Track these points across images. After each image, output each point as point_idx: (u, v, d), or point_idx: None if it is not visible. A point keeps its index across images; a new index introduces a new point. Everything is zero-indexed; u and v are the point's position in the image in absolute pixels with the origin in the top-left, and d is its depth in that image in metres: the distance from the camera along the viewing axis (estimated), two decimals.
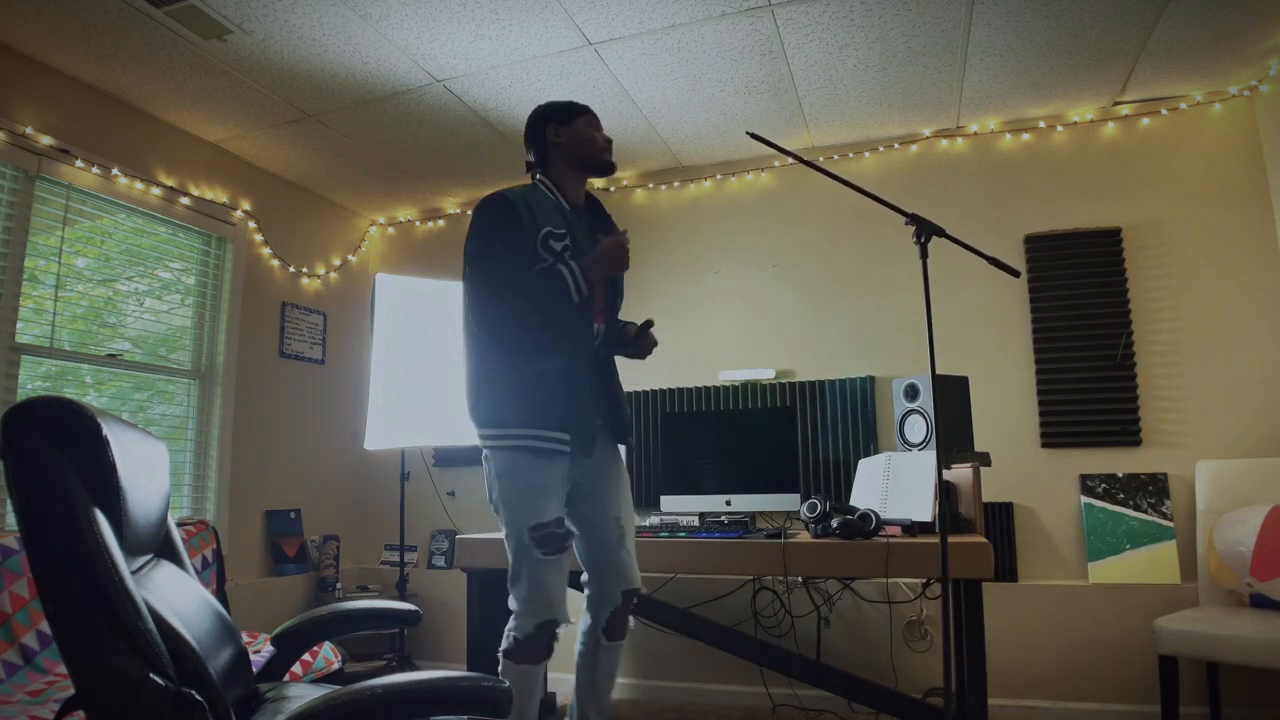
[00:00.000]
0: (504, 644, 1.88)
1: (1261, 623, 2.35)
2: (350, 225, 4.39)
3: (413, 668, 3.62)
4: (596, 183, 4.04)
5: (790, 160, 3.56)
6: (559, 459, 1.87)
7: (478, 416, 1.93)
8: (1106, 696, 2.98)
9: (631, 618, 2.08)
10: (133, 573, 1.03)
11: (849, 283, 3.56)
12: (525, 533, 1.84)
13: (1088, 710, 2.99)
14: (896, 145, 3.58)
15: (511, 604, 1.89)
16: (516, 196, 1.94)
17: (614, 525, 2.01)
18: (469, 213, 4.30)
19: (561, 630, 1.91)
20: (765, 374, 3.61)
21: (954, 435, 2.65)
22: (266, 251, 3.78)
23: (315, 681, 2.45)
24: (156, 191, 3.22)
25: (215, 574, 2.96)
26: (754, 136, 1.94)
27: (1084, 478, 3.14)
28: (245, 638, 2.62)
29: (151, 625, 0.97)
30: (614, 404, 2.07)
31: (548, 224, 1.93)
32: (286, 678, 1.75)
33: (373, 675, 1.10)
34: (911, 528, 2.43)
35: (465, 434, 3.47)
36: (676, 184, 3.92)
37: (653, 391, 3.74)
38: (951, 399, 2.71)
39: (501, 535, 1.93)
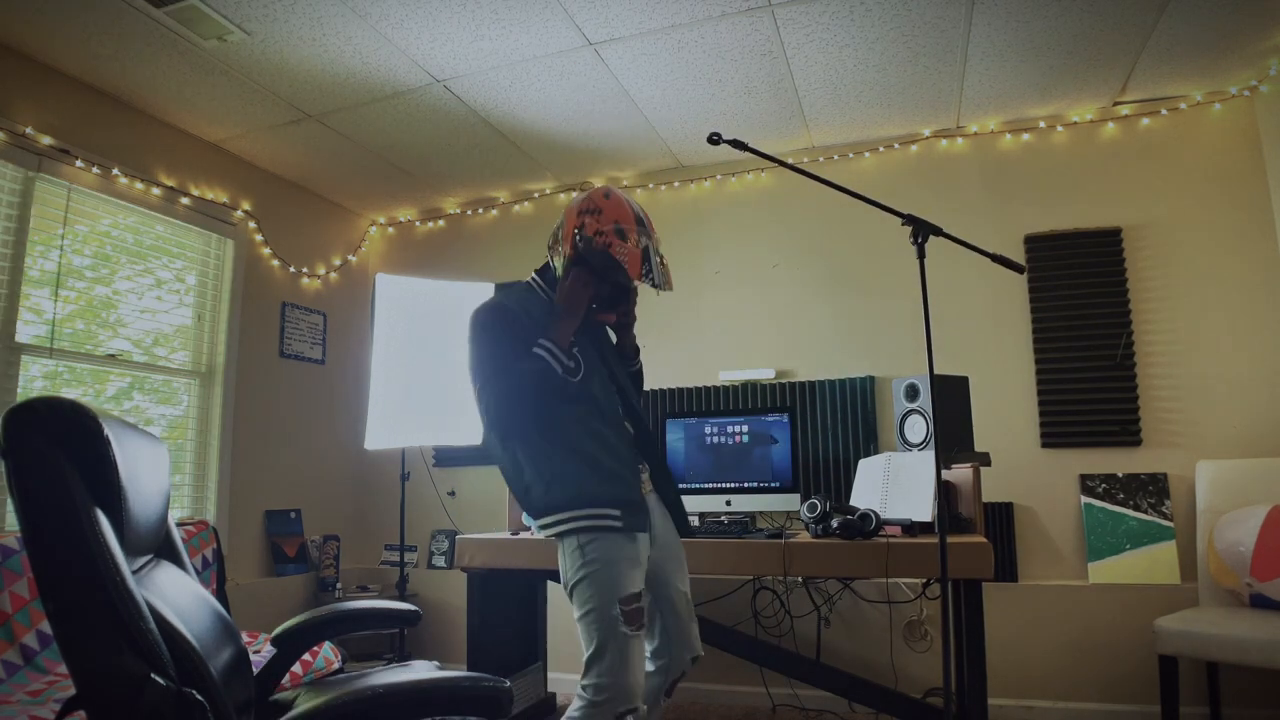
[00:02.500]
0: None
1: (1261, 623, 2.35)
2: (350, 225, 4.39)
3: None
4: (595, 181, 4.04)
5: (790, 160, 3.56)
6: (628, 534, 1.81)
7: (533, 509, 1.87)
8: (1106, 696, 2.98)
9: None
10: (133, 573, 1.03)
11: (849, 283, 3.56)
12: (616, 605, 1.74)
13: (1088, 710, 2.99)
14: (896, 145, 3.58)
15: (584, 692, 1.73)
16: (512, 303, 1.92)
17: (684, 599, 2.01)
18: (469, 213, 4.31)
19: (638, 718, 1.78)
20: (765, 374, 3.61)
21: (954, 435, 2.65)
22: (266, 251, 3.78)
23: (315, 681, 2.45)
24: (156, 191, 3.22)
25: (215, 574, 2.96)
26: (728, 142, 1.89)
27: (1084, 478, 3.14)
28: (245, 638, 2.62)
29: (153, 625, 0.97)
30: (667, 486, 2.04)
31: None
32: (286, 678, 1.75)
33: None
34: (911, 528, 2.43)
35: (465, 434, 3.48)
36: (676, 184, 3.92)
37: (653, 391, 3.74)
38: (951, 399, 2.71)
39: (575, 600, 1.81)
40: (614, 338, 2.14)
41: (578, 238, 1.89)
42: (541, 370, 1.81)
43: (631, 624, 1.75)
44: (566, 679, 3.66)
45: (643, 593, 1.82)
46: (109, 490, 1.01)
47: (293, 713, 1.06)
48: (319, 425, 4.05)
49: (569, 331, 1.87)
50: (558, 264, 1.95)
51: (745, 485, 3.15)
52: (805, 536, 2.49)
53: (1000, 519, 3.20)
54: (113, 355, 3.08)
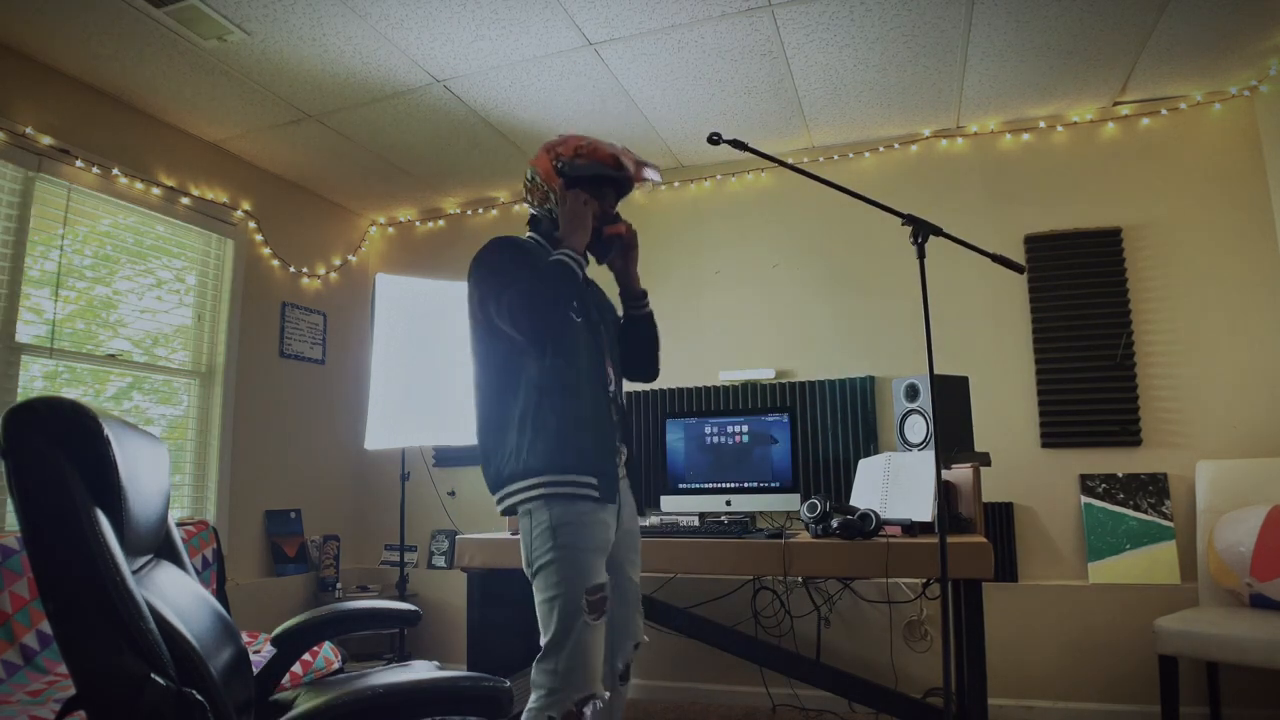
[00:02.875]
0: None
1: (1261, 623, 2.35)
2: (350, 225, 4.39)
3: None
4: None
5: (790, 160, 3.56)
6: (601, 505, 1.77)
7: (508, 470, 1.77)
8: (1106, 696, 2.98)
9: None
10: (133, 573, 1.03)
11: (849, 283, 3.56)
12: (583, 595, 1.70)
13: (1088, 710, 2.99)
14: (896, 145, 3.58)
15: (543, 680, 1.67)
16: (517, 239, 1.92)
17: (634, 588, 1.99)
18: (469, 213, 4.30)
19: (599, 704, 1.74)
20: (765, 374, 3.61)
21: (954, 435, 2.65)
22: (266, 251, 3.78)
23: (315, 681, 2.45)
24: (156, 191, 3.22)
25: (215, 574, 2.96)
26: (728, 142, 1.89)
27: (1084, 478, 3.14)
28: (245, 638, 2.61)
29: (153, 625, 0.97)
30: (633, 466, 2.04)
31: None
32: (286, 678, 1.75)
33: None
34: (911, 528, 2.43)
35: (465, 434, 3.47)
36: (676, 184, 3.92)
37: (653, 391, 3.74)
38: (951, 399, 2.71)
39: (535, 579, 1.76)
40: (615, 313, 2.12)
41: (559, 165, 1.88)
42: (565, 269, 1.74)
43: (594, 613, 1.71)
44: None
45: (606, 582, 1.77)
46: (109, 490, 1.01)
47: (293, 713, 1.06)
48: (319, 425, 4.05)
49: (580, 243, 1.83)
50: (549, 206, 1.92)
51: (745, 485, 3.15)
52: (805, 536, 2.49)
53: (1000, 519, 3.20)
54: (113, 355, 3.08)
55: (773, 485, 3.11)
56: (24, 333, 2.74)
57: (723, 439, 3.26)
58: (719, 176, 3.85)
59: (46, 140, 2.81)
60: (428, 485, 4.06)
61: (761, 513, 3.22)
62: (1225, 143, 3.16)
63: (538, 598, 1.73)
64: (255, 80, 2.99)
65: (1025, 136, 3.41)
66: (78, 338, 2.97)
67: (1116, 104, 3.28)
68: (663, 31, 2.72)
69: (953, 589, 2.49)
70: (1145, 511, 3.05)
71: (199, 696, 0.98)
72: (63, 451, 0.96)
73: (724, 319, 3.74)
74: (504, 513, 1.81)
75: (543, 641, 1.71)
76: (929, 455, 2.59)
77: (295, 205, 4.01)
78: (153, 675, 0.94)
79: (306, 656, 2.63)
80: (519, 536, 1.78)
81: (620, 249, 1.99)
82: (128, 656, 0.93)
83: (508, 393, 1.80)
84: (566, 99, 3.18)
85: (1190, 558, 2.96)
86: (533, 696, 1.69)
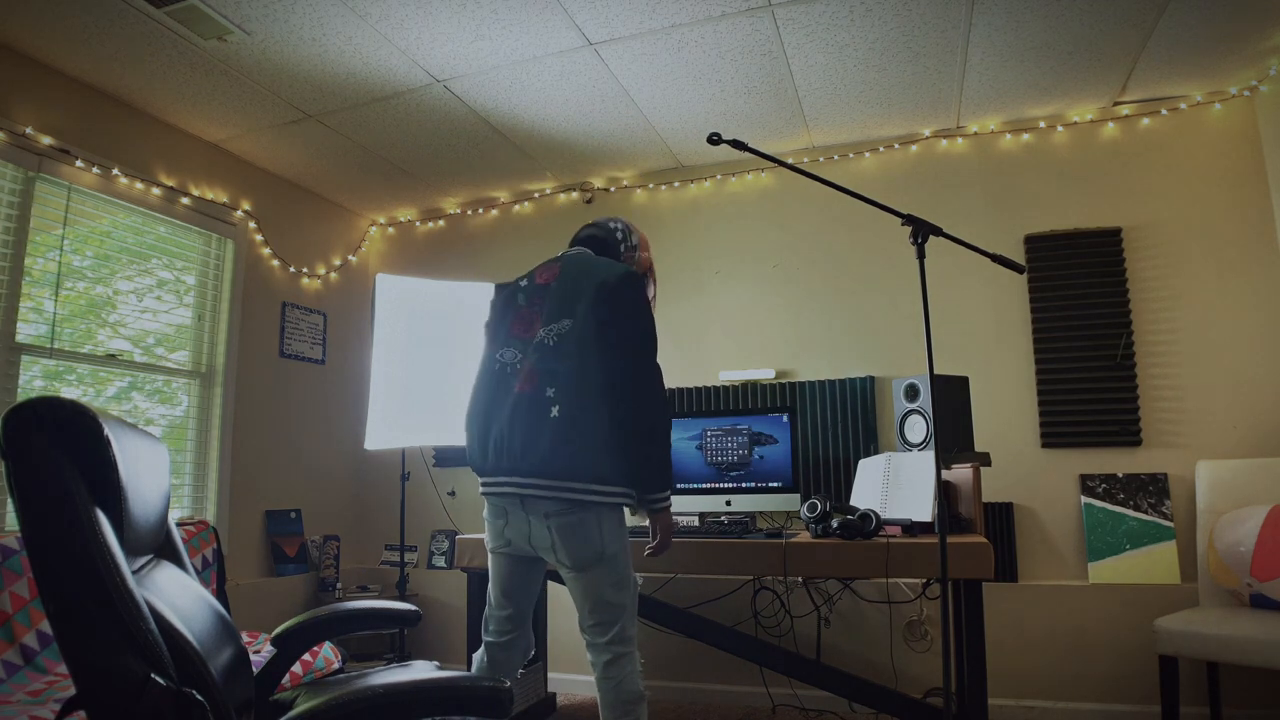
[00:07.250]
0: (639, 688, 1.92)
1: (1261, 623, 2.35)
2: (350, 225, 4.39)
3: None
4: (595, 181, 4.04)
5: (790, 160, 3.56)
6: None
7: (606, 473, 1.97)
8: (1106, 696, 2.98)
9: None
10: (133, 573, 1.03)
11: (849, 282, 3.57)
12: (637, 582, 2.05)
13: (1088, 710, 2.99)
14: (896, 145, 3.58)
15: (624, 645, 1.94)
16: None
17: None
18: (469, 213, 4.30)
19: None
20: (765, 374, 3.61)
21: (954, 435, 2.65)
22: (266, 251, 3.78)
23: (315, 682, 2.45)
24: (157, 191, 3.23)
25: (215, 574, 2.96)
26: (728, 142, 1.91)
27: (1084, 478, 3.14)
28: (245, 638, 2.62)
29: (153, 625, 0.97)
30: None
31: None
32: (286, 678, 1.75)
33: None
34: (911, 528, 2.43)
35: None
36: (676, 184, 3.92)
37: None
38: (951, 399, 2.71)
39: (607, 582, 1.97)
40: None
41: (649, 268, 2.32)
42: (668, 465, 2.16)
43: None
44: (566, 679, 3.66)
45: None
46: (109, 490, 1.01)
47: (293, 713, 1.06)
48: (319, 425, 4.05)
49: (666, 548, 2.21)
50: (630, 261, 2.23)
51: (745, 485, 3.15)
52: (805, 536, 2.49)
53: (1000, 519, 3.20)
54: (113, 355, 3.08)
55: (773, 485, 3.11)
56: (24, 333, 2.74)
57: (723, 439, 3.26)
58: (719, 176, 3.85)
59: (46, 140, 2.81)
60: (428, 485, 4.06)
61: (761, 513, 3.22)
62: (1225, 143, 3.16)
63: (610, 579, 1.94)
64: (255, 80, 2.99)
65: (1025, 136, 3.41)
66: (78, 338, 2.96)
67: (1117, 104, 3.29)
68: (663, 31, 2.72)
69: (953, 589, 2.49)
70: (1145, 511, 3.05)
71: (199, 696, 0.98)
72: (63, 451, 0.96)
73: (724, 319, 3.74)
74: (568, 505, 1.93)
75: (613, 618, 1.94)
76: (929, 455, 2.59)
77: (295, 205, 4.01)
78: (153, 675, 0.93)
79: (306, 656, 2.63)
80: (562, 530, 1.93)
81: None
82: (128, 656, 0.93)
83: (660, 408, 2.04)
84: (566, 99, 3.18)
85: (1190, 558, 2.96)
86: (620, 661, 1.92)
